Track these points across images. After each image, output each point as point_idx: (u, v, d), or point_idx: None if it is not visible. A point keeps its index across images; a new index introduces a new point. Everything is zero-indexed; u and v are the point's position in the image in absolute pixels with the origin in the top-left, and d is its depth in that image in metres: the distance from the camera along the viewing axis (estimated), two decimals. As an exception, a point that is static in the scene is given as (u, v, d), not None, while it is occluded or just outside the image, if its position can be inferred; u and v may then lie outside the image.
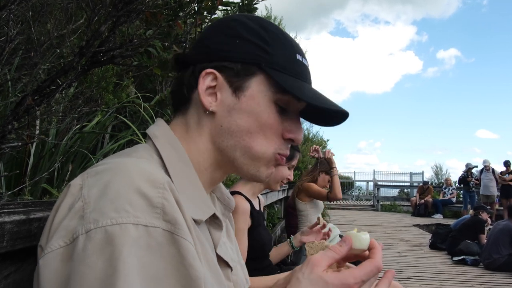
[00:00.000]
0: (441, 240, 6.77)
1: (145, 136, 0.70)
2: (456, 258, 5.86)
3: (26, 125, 1.24)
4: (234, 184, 2.07)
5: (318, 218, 2.27)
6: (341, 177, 11.24)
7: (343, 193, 17.84)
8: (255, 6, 1.96)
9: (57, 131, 1.77)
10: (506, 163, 10.67)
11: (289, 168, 2.17)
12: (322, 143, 11.28)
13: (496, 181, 10.86)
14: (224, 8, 1.90)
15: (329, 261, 0.59)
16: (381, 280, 0.61)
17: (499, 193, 11.03)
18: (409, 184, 20.24)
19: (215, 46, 0.67)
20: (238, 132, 0.66)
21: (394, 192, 19.85)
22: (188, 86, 0.69)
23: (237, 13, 1.86)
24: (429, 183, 14.55)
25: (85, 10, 1.38)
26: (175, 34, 1.74)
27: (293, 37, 0.73)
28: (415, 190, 14.63)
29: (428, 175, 21.31)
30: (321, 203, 3.72)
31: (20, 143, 1.20)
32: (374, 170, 22.53)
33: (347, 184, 21.97)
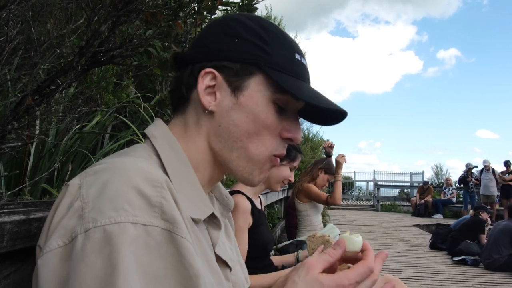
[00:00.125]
0: (441, 240, 6.76)
1: (145, 136, 0.70)
2: (456, 258, 5.86)
3: (26, 125, 1.24)
4: (235, 184, 2.06)
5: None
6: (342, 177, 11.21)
7: (343, 193, 17.84)
8: (255, 6, 1.96)
9: (57, 131, 1.77)
10: (506, 163, 10.67)
11: (290, 169, 2.16)
12: (322, 143, 11.28)
13: (496, 181, 10.86)
14: (224, 8, 1.90)
15: (324, 264, 0.60)
16: (375, 260, 0.63)
17: (499, 193, 11.03)
18: (409, 184, 20.25)
19: (214, 45, 0.67)
20: (236, 132, 0.66)
21: (394, 192, 19.86)
22: (187, 85, 0.69)
23: (237, 13, 1.85)
24: (429, 183, 14.56)
25: (85, 10, 1.38)
26: (175, 34, 1.74)
27: (293, 37, 0.73)
28: (415, 190, 14.64)
29: (428, 175, 21.36)
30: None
31: (20, 143, 1.20)
32: (374, 170, 22.57)
33: (347, 184, 21.97)
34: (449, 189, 13.16)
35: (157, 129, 0.69)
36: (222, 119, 0.67)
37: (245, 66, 0.65)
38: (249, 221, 1.88)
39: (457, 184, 13.60)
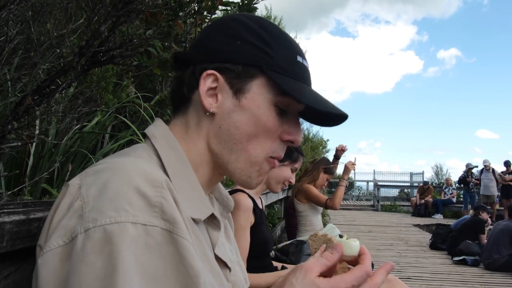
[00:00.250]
0: (441, 240, 6.76)
1: (145, 136, 0.70)
2: (456, 258, 5.86)
3: (26, 125, 1.24)
4: None
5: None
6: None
7: (344, 193, 17.80)
8: (255, 6, 1.96)
9: (57, 131, 1.77)
10: (507, 163, 10.67)
11: (292, 171, 2.16)
12: (322, 143, 11.28)
13: (496, 181, 10.86)
14: (224, 8, 1.89)
15: (322, 268, 0.61)
16: (378, 270, 0.63)
17: (499, 193, 11.03)
18: (409, 184, 20.25)
19: (215, 46, 0.67)
20: (237, 134, 0.66)
21: (394, 192, 19.85)
22: (189, 86, 0.68)
23: (237, 12, 1.85)
24: (430, 183, 14.56)
25: (85, 10, 1.38)
26: (175, 34, 1.74)
27: (293, 37, 0.73)
28: (415, 190, 14.64)
29: (429, 175, 21.35)
30: None
31: (19, 143, 1.20)
32: (374, 170, 22.58)
33: (347, 184, 21.95)
34: (449, 189, 13.16)
35: (157, 129, 0.69)
36: (223, 121, 0.67)
37: (247, 68, 0.65)
38: (251, 219, 1.88)
39: (457, 184, 13.60)
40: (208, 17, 1.84)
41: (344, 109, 0.68)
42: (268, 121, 0.66)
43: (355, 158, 3.70)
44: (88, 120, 2.02)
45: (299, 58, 0.68)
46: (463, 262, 5.73)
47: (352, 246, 0.63)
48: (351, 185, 22.20)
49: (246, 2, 1.91)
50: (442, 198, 13.01)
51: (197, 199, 0.65)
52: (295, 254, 3.01)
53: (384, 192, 17.68)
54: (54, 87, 1.20)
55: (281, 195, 5.99)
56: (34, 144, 1.54)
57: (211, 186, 0.74)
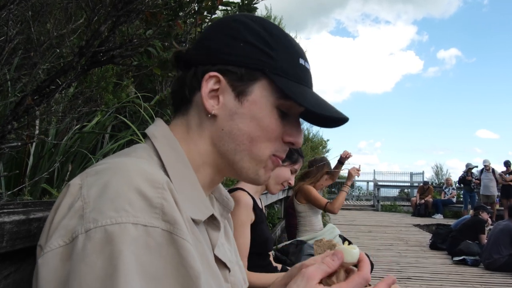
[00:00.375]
0: (441, 240, 6.77)
1: (145, 136, 0.70)
2: (456, 258, 5.86)
3: (26, 125, 1.24)
4: (239, 182, 2.06)
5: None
6: (341, 177, 11.24)
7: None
8: (255, 6, 1.96)
9: (56, 131, 1.77)
10: (506, 163, 10.67)
11: (291, 172, 2.16)
12: (322, 143, 11.29)
13: (497, 181, 10.86)
14: (224, 8, 1.89)
15: (322, 274, 0.61)
16: (380, 283, 0.64)
17: (499, 193, 11.03)
18: (409, 184, 20.25)
19: (216, 47, 0.67)
20: (240, 136, 0.66)
21: (395, 192, 19.85)
22: (190, 87, 0.68)
23: (237, 13, 1.85)
24: (430, 183, 14.56)
25: (85, 10, 1.38)
26: (175, 34, 1.73)
27: (293, 36, 0.73)
28: (415, 190, 14.64)
29: (429, 175, 21.34)
30: None
31: (19, 143, 1.20)
32: (374, 170, 22.55)
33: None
34: (449, 189, 13.17)
35: (158, 129, 0.69)
36: (225, 123, 0.67)
37: (249, 71, 0.65)
38: (252, 216, 1.88)
39: (457, 184, 13.60)
40: (208, 17, 1.84)
41: (344, 109, 0.69)
42: (270, 123, 0.66)
43: (360, 165, 3.73)
44: (88, 120, 2.03)
45: (301, 61, 0.68)
46: (463, 262, 5.73)
47: (353, 253, 0.65)
48: (351, 185, 22.19)
49: (246, 2, 1.91)
50: (442, 198, 13.02)
51: (197, 199, 0.65)
52: (295, 254, 3.01)
53: (384, 192, 17.68)
54: (54, 87, 1.20)
55: (281, 195, 6.00)
56: (34, 144, 1.54)
57: (212, 186, 0.74)
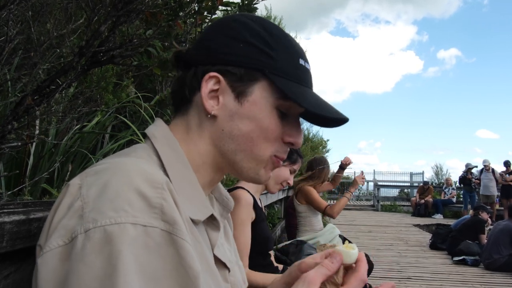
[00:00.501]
0: (441, 240, 6.77)
1: (145, 136, 0.70)
2: (456, 258, 5.86)
3: (26, 125, 1.24)
4: (239, 182, 2.06)
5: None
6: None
7: (343, 193, 17.83)
8: (255, 6, 1.95)
9: (57, 131, 1.77)
10: (506, 163, 10.67)
11: (290, 172, 2.17)
12: (322, 143, 11.29)
13: (496, 181, 10.86)
14: (224, 8, 1.89)
15: (323, 278, 0.62)
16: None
17: (499, 193, 11.03)
18: (409, 184, 20.25)
19: (216, 47, 0.67)
20: (240, 136, 0.66)
21: (394, 192, 19.86)
22: (190, 87, 0.68)
23: (237, 13, 1.85)
24: (430, 183, 14.56)
25: (85, 10, 1.38)
26: (175, 34, 1.73)
27: (293, 36, 0.72)
28: (415, 190, 14.64)
29: (429, 175, 21.35)
30: None
31: (19, 143, 1.20)
32: (374, 170, 22.55)
33: (347, 184, 21.96)
34: (449, 189, 13.17)
35: (157, 129, 0.69)
36: (225, 124, 0.67)
37: (249, 71, 0.65)
38: (252, 215, 1.88)
39: (457, 184, 13.59)
40: (208, 17, 1.84)
41: (344, 109, 0.69)
42: (270, 124, 0.66)
43: (362, 171, 3.75)
44: (88, 120, 2.03)
45: (301, 61, 0.68)
46: (463, 262, 5.73)
47: (351, 254, 0.66)
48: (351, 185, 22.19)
49: (246, 2, 1.91)
50: (442, 198, 13.02)
51: (196, 200, 0.65)
52: (295, 254, 3.01)
53: (384, 192, 17.69)
54: (54, 87, 1.20)
55: (281, 195, 6.00)
56: (34, 144, 1.54)
57: (211, 186, 0.74)
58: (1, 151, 1.14)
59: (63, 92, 1.53)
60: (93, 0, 1.27)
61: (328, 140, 11.96)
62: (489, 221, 6.60)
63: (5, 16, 1.10)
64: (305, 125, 9.91)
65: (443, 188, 13.53)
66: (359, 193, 22.18)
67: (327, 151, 12.69)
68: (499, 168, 11.30)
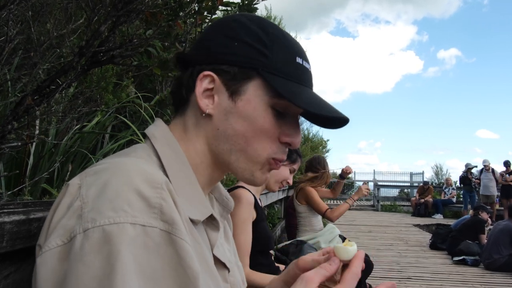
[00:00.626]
0: (441, 240, 6.77)
1: (145, 136, 0.70)
2: (456, 258, 5.86)
3: (26, 125, 1.24)
4: (238, 182, 2.07)
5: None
6: (334, 176, 11.24)
7: (343, 192, 17.86)
8: (255, 6, 1.96)
9: (57, 131, 1.77)
10: (506, 163, 10.67)
11: (290, 171, 2.18)
12: (322, 143, 11.29)
13: (496, 181, 10.86)
14: (224, 8, 1.89)
15: (321, 278, 0.62)
16: (379, 286, 0.64)
17: (499, 193, 11.04)
18: (409, 184, 20.26)
19: (214, 47, 0.67)
20: (234, 136, 0.66)
21: (394, 192, 19.87)
22: (187, 87, 0.68)
23: (237, 13, 1.85)
24: (429, 183, 14.56)
25: (85, 10, 1.38)
26: (175, 34, 1.73)
27: (293, 36, 0.72)
28: (415, 190, 14.64)
29: (429, 175, 21.37)
30: None
31: (19, 143, 1.20)
32: (374, 170, 22.58)
33: (347, 184, 21.97)
34: (449, 189, 13.17)
35: (157, 129, 0.69)
36: (220, 123, 0.67)
37: (243, 70, 0.65)
38: (253, 214, 1.88)
39: (457, 184, 13.59)
40: (208, 17, 1.84)
41: (344, 109, 0.69)
42: (265, 122, 0.66)
43: (364, 182, 3.77)
44: (88, 120, 2.03)
45: (299, 60, 0.67)
46: (463, 262, 5.73)
47: (349, 250, 0.66)
48: (351, 185, 22.21)
49: (246, 2, 1.91)
50: (442, 198, 13.01)
51: (196, 200, 0.65)
52: (295, 254, 3.01)
53: (384, 192, 17.69)
54: (54, 87, 1.20)
55: (281, 195, 6.00)
56: (34, 144, 1.54)
57: (211, 186, 0.74)
58: (1, 151, 1.14)
59: (63, 92, 1.53)
60: (93, 0, 1.27)
61: (328, 140, 11.99)
62: (489, 221, 6.59)
63: (5, 16, 1.10)
64: (305, 125, 9.92)
65: (443, 188, 13.53)
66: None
67: (327, 151, 12.71)
68: (499, 168, 11.31)
